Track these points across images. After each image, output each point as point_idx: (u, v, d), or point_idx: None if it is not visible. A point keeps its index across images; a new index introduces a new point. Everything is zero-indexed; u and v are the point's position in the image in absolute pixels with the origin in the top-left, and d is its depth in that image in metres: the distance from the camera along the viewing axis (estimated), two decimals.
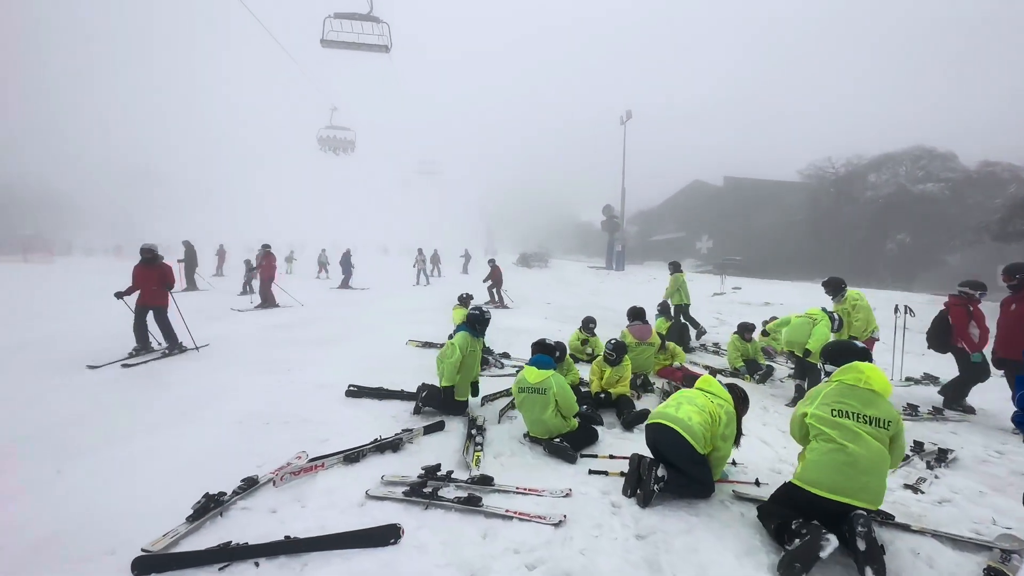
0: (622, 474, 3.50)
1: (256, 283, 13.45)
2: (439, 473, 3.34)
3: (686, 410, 3.23)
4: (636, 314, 6.53)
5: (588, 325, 7.47)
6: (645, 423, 3.48)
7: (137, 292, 7.16)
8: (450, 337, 5.50)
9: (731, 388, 3.52)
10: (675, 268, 9.79)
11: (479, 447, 3.97)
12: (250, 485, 3.14)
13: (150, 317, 7.17)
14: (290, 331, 9.07)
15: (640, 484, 3.15)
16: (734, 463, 3.80)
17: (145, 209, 47.23)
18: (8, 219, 39.20)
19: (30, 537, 2.67)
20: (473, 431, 4.22)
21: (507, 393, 5.48)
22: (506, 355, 7.34)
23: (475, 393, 5.01)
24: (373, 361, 6.81)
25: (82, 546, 2.60)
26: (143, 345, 7.07)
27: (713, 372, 6.65)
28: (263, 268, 12.82)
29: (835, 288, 6.17)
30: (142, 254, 7.26)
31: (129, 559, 2.46)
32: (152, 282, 7.18)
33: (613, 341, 5.32)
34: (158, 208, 47.85)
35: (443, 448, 4.02)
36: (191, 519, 2.74)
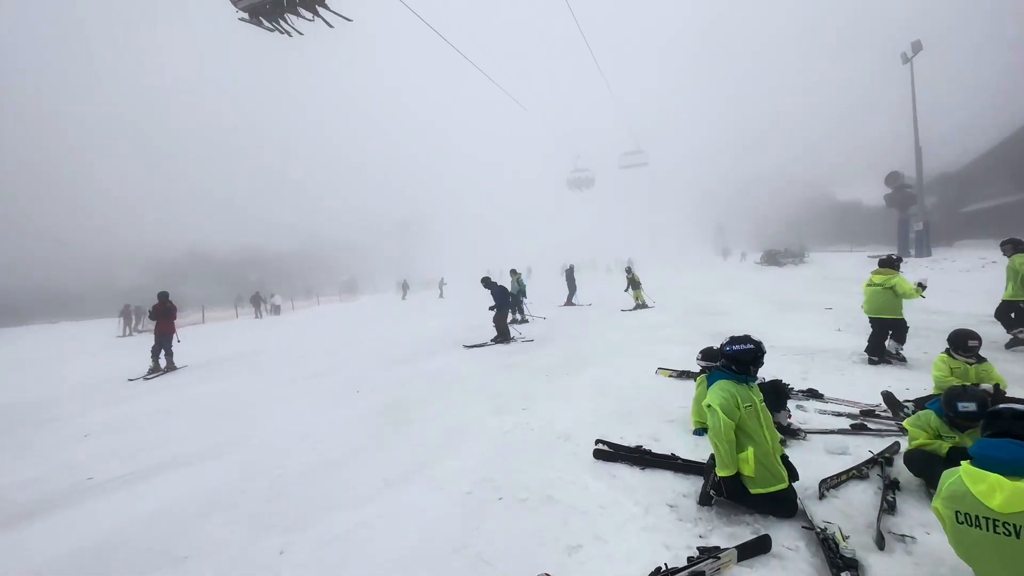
0: None
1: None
2: None
3: None
4: None
5: (968, 344, 4.32)
6: None
7: None
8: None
9: None
10: (1016, 246, 6.82)
11: None
12: None
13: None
14: (520, 355, 8.38)
15: None
16: None
17: (416, 251, 57.47)
18: (326, 268, 52.70)
19: None
20: (841, 570, 2.22)
21: (861, 474, 3.22)
22: (814, 393, 4.88)
23: (794, 476, 2.96)
24: (616, 398, 5.33)
25: None
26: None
27: None
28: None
29: None
30: None
31: None
32: None
33: None
34: (427, 250, 57.53)
35: None
36: None
